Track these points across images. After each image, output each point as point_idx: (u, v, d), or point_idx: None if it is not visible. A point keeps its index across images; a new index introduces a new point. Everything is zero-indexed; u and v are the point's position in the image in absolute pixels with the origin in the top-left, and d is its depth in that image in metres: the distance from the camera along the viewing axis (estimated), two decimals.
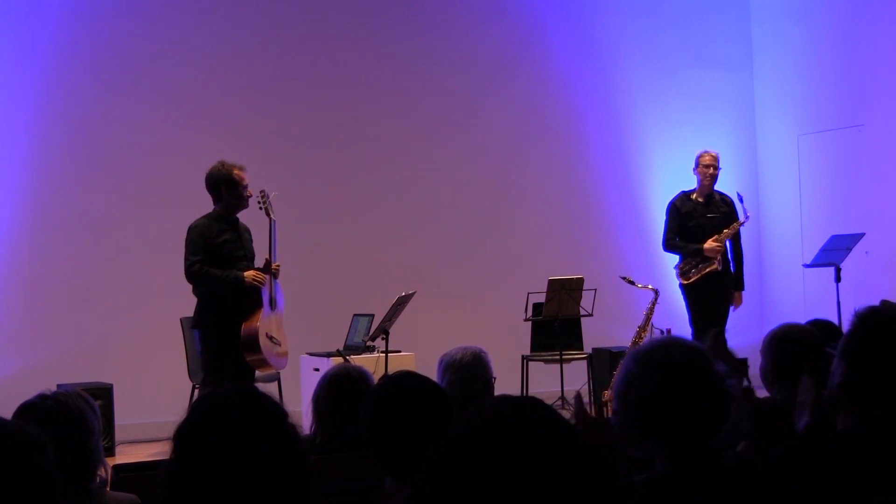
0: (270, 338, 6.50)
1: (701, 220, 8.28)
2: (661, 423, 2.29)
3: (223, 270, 6.42)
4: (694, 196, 8.37)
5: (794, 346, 3.49)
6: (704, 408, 2.29)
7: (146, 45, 8.67)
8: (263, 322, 6.46)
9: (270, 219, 6.72)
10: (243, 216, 6.75)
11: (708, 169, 8.31)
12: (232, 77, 8.90)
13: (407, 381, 2.87)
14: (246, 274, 6.43)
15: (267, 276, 6.53)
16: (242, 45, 8.95)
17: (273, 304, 6.57)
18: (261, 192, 6.78)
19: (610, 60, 10.12)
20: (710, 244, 8.18)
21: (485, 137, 9.68)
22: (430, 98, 9.52)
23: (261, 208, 6.77)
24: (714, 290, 8.23)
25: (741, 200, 8.39)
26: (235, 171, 6.55)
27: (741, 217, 8.38)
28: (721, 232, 8.24)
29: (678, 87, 10.28)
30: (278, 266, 6.62)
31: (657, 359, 2.32)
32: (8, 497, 1.49)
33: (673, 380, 2.29)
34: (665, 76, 10.26)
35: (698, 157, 8.39)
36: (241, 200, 6.56)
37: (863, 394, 2.48)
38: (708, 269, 8.19)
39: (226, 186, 6.52)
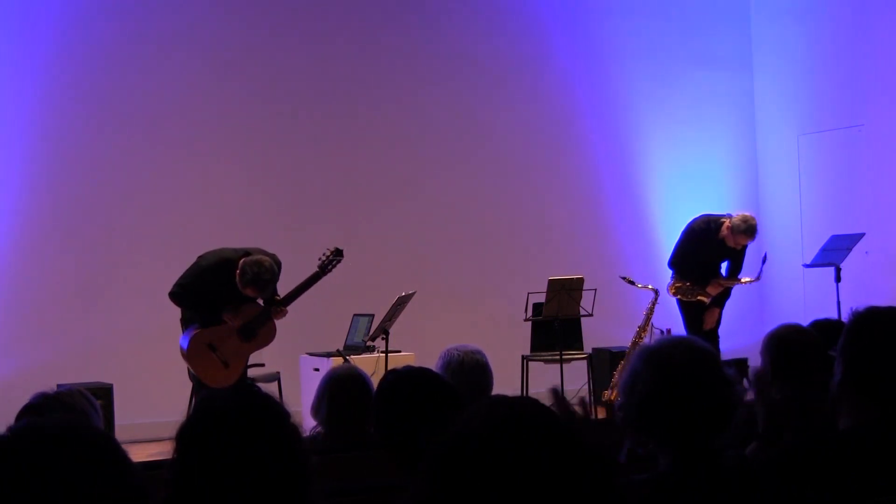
0: (213, 350, 6.57)
1: (711, 252, 8.23)
2: (664, 422, 2.29)
3: (195, 312, 6.69)
4: (715, 232, 8.14)
5: (793, 346, 3.49)
6: (709, 408, 2.29)
7: (149, 46, 8.66)
8: (207, 334, 6.64)
9: (318, 270, 6.82)
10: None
11: (743, 243, 8.05)
12: (233, 78, 8.90)
13: (411, 376, 2.89)
14: (225, 315, 6.65)
15: (257, 311, 6.68)
16: (245, 46, 8.94)
17: (249, 334, 6.67)
18: (335, 249, 6.88)
19: (610, 60, 10.12)
20: (714, 288, 8.15)
21: (485, 137, 9.68)
22: (431, 99, 9.52)
23: (320, 259, 6.85)
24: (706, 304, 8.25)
25: (763, 261, 8.29)
26: (248, 289, 6.55)
27: (753, 275, 8.28)
28: (725, 267, 8.22)
29: (678, 87, 10.28)
30: (283, 313, 6.73)
31: (664, 358, 2.31)
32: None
33: (678, 379, 2.28)
34: (665, 76, 10.26)
35: (742, 229, 7.96)
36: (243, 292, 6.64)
37: (861, 393, 2.49)
38: (698, 298, 8.17)
39: (240, 280, 6.54)
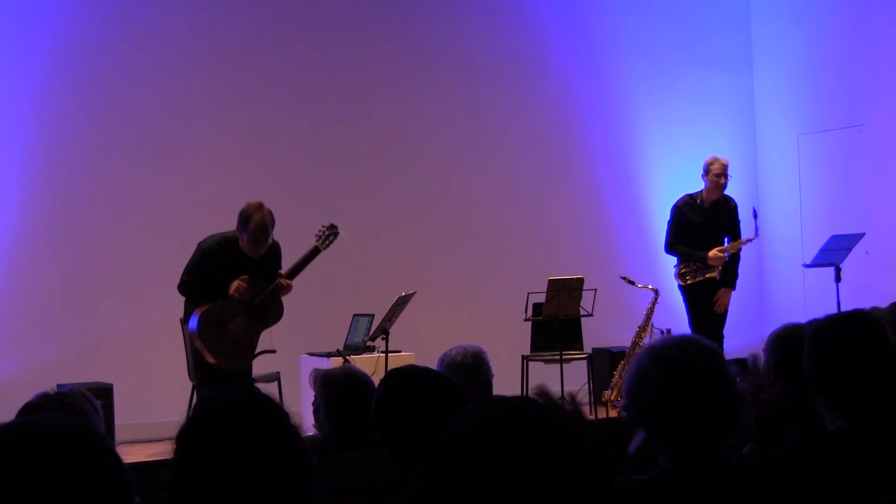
0: (222, 328, 6.48)
1: (704, 225, 8.25)
2: (667, 422, 2.29)
3: (205, 300, 6.55)
4: (699, 201, 8.32)
5: (800, 345, 3.49)
6: (712, 410, 2.29)
7: (148, 43, 8.66)
8: (214, 312, 6.50)
9: (315, 244, 6.79)
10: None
11: (719, 178, 8.20)
12: (233, 77, 8.90)
13: (413, 375, 2.88)
14: (231, 286, 6.50)
15: (265, 287, 6.58)
16: (244, 44, 8.95)
17: (257, 311, 6.59)
18: (329, 225, 6.85)
19: (610, 60, 10.12)
20: (714, 254, 8.15)
21: (485, 137, 9.68)
22: (431, 98, 9.53)
23: (316, 235, 6.84)
24: (713, 294, 8.23)
25: (756, 217, 8.31)
26: (253, 226, 6.45)
27: (751, 233, 8.31)
28: (726, 242, 8.22)
29: (678, 87, 10.28)
30: (287, 285, 6.62)
31: (671, 357, 2.31)
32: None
33: (684, 379, 2.28)
34: (665, 76, 10.26)
35: (708, 164, 8.26)
36: (248, 248, 6.54)
37: (836, 400, 2.51)
38: (707, 276, 8.18)
39: (241, 226, 6.51)
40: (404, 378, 2.89)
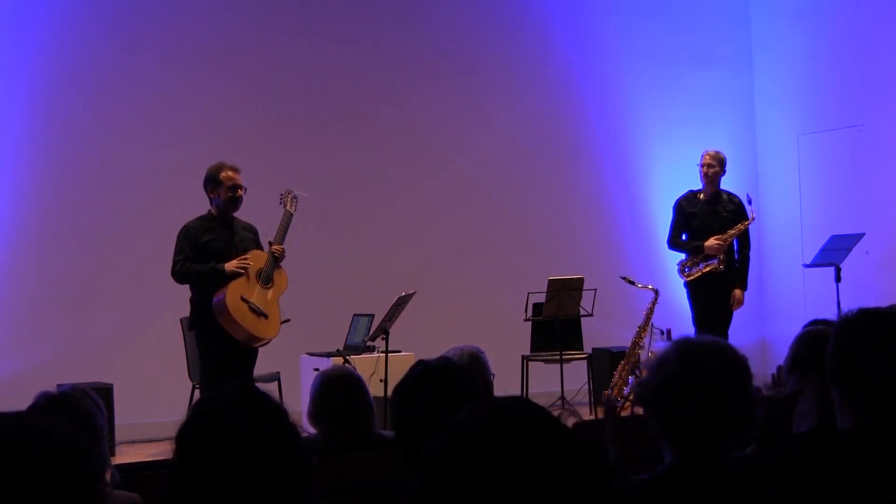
0: (247, 301, 6.39)
1: (705, 219, 8.25)
2: (678, 421, 2.28)
3: (204, 264, 6.43)
4: (700, 195, 8.34)
5: (818, 342, 3.48)
6: (727, 421, 2.28)
7: (143, 45, 8.67)
8: (236, 286, 6.39)
9: (285, 210, 6.74)
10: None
11: (703, 168, 8.29)
12: (230, 77, 8.90)
13: (438, 368, 2.84)
14: (228, 264, 6.40)
15: (265, 256, 6.52)
16: (242, 45, 8.95)
17: (266, 279, 6.50)
18: (286, 191, 6.82)
19: (611, 60, 10.13)
20: (711, 242, 8.12)
21: (486, 137, 9.69)
22: (432, 99, 9.53)
23: (280, 203, 6.79)
24: (717, 291, 8.20)
25: (749, 202, 8.31)
26: (222, 173, 6.56)
27: (748, 217, 8.31)
28: (726, 231, 8.20)
29: (678, 87, 10.29)
30: (280, 249, 6.56)
31: (697, 360, 2.30)
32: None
33: (706, 384, 2.27)
34: (665, 76, 10.27)
35: (702, 154, 8.37)
36: (226, 202, 6.53)
37: (847, 397, 2.50)
38: (708, 269, 8.16)
39: (211, 186, 6.57)
40: (428, 371, 2.82)
